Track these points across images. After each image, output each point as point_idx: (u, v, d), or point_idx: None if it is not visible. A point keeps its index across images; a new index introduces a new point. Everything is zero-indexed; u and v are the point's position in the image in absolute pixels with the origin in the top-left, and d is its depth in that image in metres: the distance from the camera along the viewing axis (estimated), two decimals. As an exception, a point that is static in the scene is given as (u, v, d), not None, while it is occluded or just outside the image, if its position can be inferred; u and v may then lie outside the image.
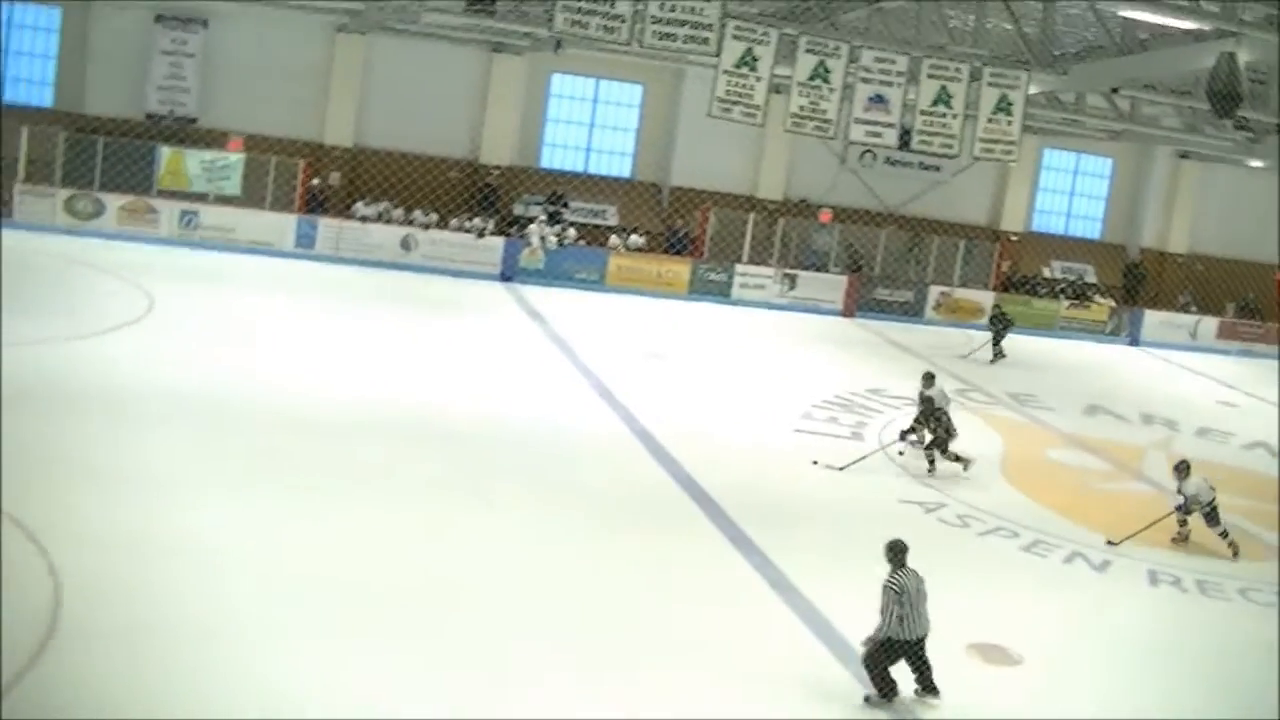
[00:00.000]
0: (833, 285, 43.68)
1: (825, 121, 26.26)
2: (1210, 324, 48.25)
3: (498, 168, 43.20)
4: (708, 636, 16.31)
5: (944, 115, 26.66)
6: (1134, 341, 46.37)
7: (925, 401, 24.85)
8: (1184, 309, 49.21)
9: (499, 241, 40.84)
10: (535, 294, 38.77)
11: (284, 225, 38.99)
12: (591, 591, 17.44)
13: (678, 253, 43.48)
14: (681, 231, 44.03)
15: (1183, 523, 22.42)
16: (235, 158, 38.69)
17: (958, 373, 34.94)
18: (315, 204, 40.41)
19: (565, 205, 43.64)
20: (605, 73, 44.41)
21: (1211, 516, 22.14)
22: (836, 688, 15.31)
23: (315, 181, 40.57)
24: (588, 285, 40.91)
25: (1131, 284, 49.73)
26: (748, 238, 44.31)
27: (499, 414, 24.88)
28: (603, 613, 16.68)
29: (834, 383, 31.58)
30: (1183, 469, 22.36)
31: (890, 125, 26.67)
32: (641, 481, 22.41)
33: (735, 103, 25.52)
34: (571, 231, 42.40)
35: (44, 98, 40.73)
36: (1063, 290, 47.79)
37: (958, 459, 24.58)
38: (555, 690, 14.35)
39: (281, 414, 23.16)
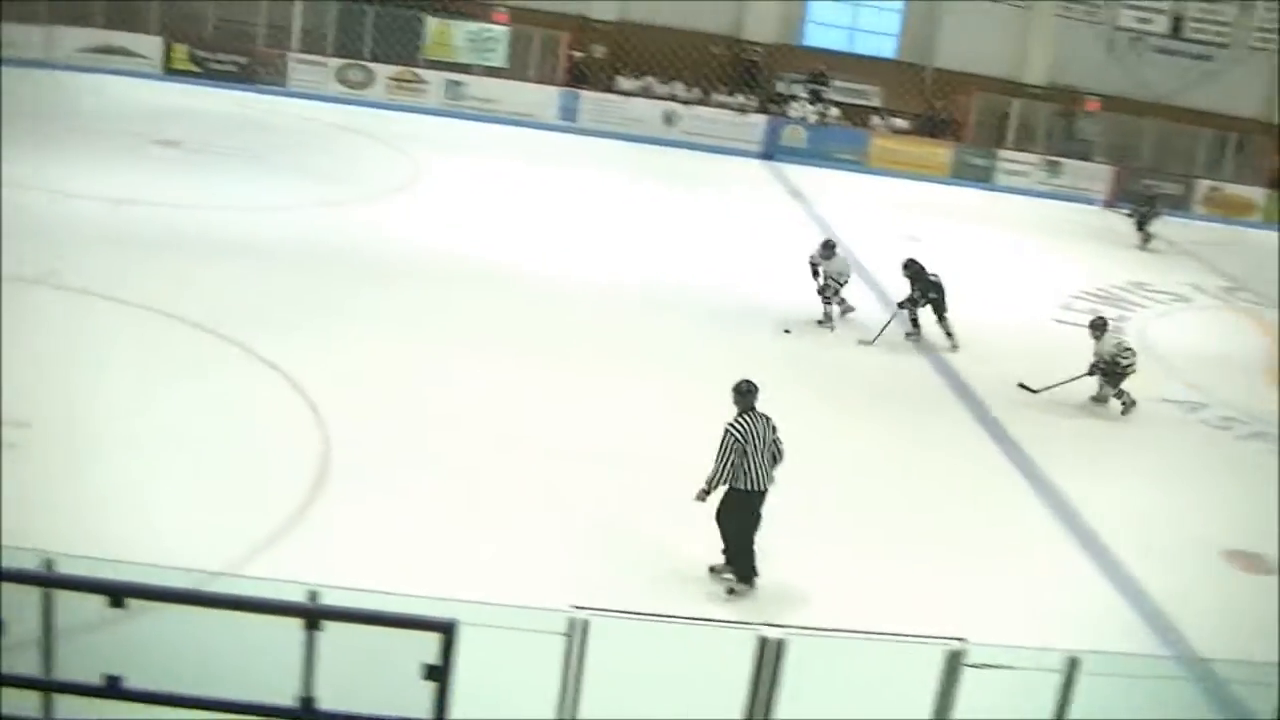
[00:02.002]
0: (1097, 175, 42.67)
1: (1095, 5, 25.55)
2: None
3: (761, 44, 42.89)
4: (955, 523, 16.34)
5: (1218, 1, 25.73)
6: None
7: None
8: None
9: (760, 119, 40.70)
10: (795, 173, 38.60)
11: (547, 98, 39.36)
12: (853, 472, 17.61)
13: (940, 135, 42.89)
14: (944, 114, 43.37)
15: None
16: (500, 30, 39.17)
17: (1227, 270, 33.91)
18: (578, 77, 40.64)
19: (827, 84, 43.23)
20: (873, -51, 43.81)
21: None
22: (1085, 583, 15.21)
23: (579, 54, 40.75)
24: (848, 165, 40.59)
25: None
26: (1012, 123, 43.48)
27: (760, 293, 24.93)
28: (860, 494, 16.83)
29: (1095, 274, 30.96)
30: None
31: (1161, 11, 25.83)
32: (896, 366, 22.37)
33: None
34: (834, 110, 42.05)
35: (318, -32, 41.57)
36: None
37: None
38: (806, 564, 14.51)
39: (539, 285, 23.60)
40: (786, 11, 43.61)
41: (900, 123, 42.85)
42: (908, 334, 23.74)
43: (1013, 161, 42.19)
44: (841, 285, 24.06)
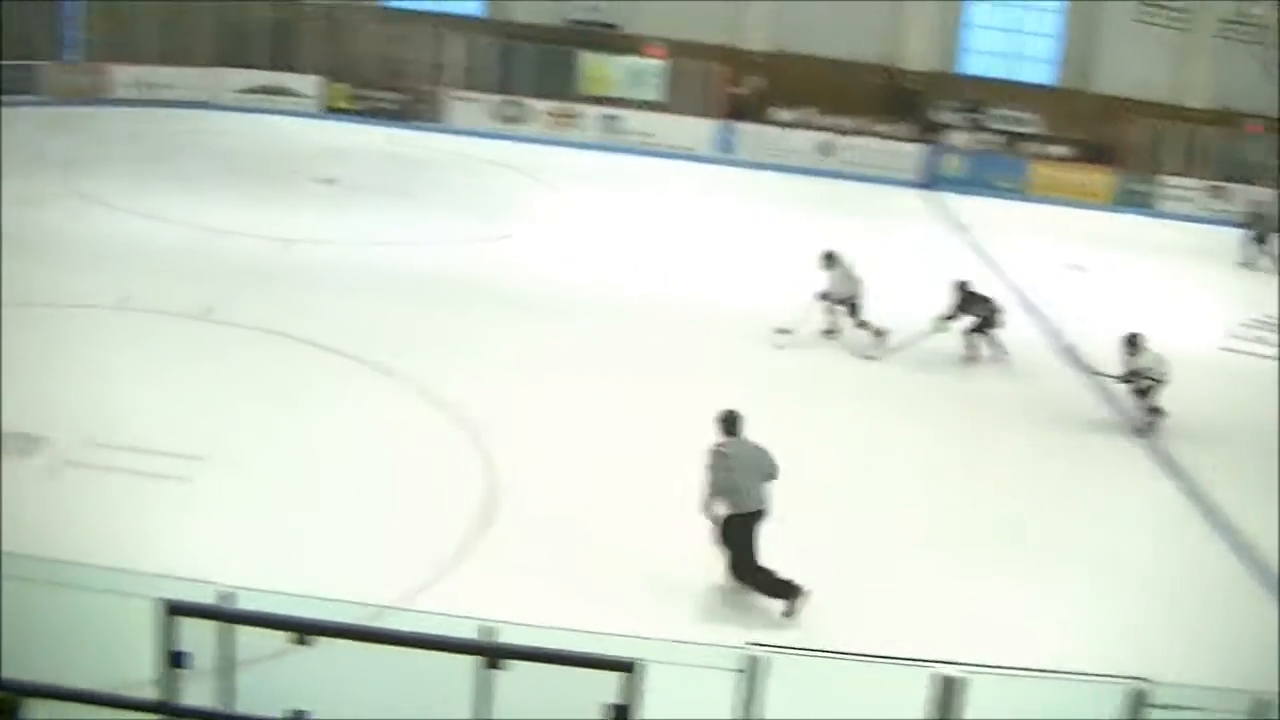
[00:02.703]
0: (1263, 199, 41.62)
1: (1256, 27, 24.99)
2: None
3: (918, 73, 42.54)
4: (1121, 549, 16.05)
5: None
6: None
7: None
8: None
9: (918, 148, 40.36)
10: (954, 201, 38.17)
11: (703, 130, 39.32)
12: (1010, 499, 17.32)
13: (1100, 162, 42.20)
14: (1104, 140, 42.66)
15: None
16: (656, 64, 39.27)
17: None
18: (736, 110, 40.57)
19: (985, 112, 42.76)
20: (1030, -25, 43.25)
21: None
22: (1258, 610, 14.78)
23: (740, 90, 40.58)
24: (1007, 193, 40.08)
25: None
26: (1173, 148, 42.65)
27: (921, 322, 24.62)
28: (1017, 520, 16.58)
29: (1266, 302, 30.20)
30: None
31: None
32: (1061, 392, 22.00)
33: (1162, 6, 24.49)
34: (993, 138, 41.56)
35: (474, 7, 41.96)
36: None
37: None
38: (976, 595, 14.24)
39: (699, 317, 23.49)
40: (944, 39, 43.22)
41: (1060, 149, 42.22)
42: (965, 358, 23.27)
43: (1175, 187, 41.40)
44: (847, 300, 23.44)
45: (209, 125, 36.85)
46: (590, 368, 20.70)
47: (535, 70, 39.41)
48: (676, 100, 39.70)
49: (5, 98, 36.28)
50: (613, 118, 38.97)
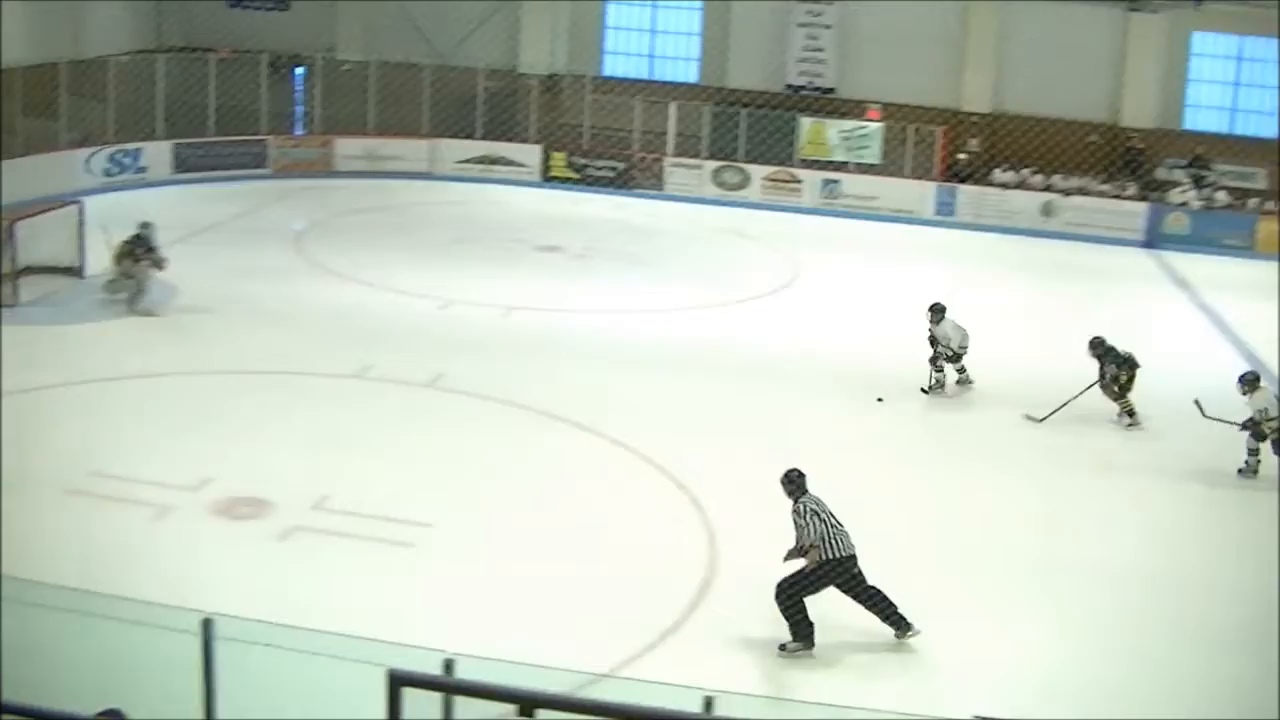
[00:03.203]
0: None
1: None
2: None
3: (1139, 130, 41.80)
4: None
5: None
6: None
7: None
8: None
9: (1142, 206, 39.59)
10: (1179, 260, 37.30)
11: (924, 193, 39.05)
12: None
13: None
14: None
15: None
16: (874, 126, 39.19)
17: None
18: (956, 172, 40.26)
19: (1209, 168, 41.80)
20: (1249, 29, 42.17)
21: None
22: None
23: (962, 156, 40.23)
24: (1234, 251, 39.04)
25: None
26: None
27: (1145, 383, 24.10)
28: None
29: None
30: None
31: None
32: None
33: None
34: (1220, 195, 40.63)
35: (689, 74, 42.36)
36: None
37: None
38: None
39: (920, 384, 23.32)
40: (1165, 96, 42.37)
41: (1289, 203, 41.04)
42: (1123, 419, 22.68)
43: None
44: (956, 352, 23.26)
45: (432, 196, 37.62)
46: (830, 440, 20.54)
47: (753, 135, 39.55)
48: (895, 163, 39.54)
49: (235, 172, 37.65)
50: (832, 181, 38.93)
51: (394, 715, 7.41)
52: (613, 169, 39.56)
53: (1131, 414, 22.50)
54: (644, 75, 42.43)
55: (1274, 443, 20.30)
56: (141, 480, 17.61)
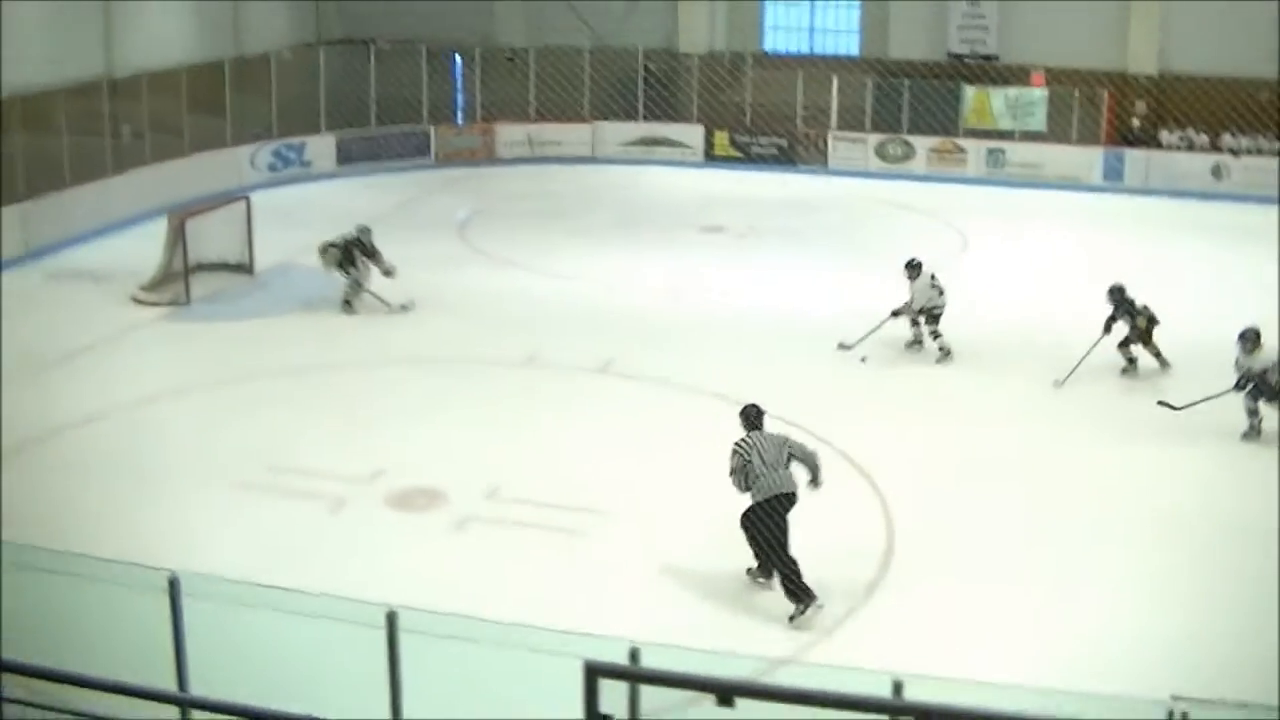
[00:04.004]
0: None
1: None
2: None
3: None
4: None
5: None
6: None
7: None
8: None
9: (1317, 165, 38.38)
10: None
11: (1090, 159, 38.22)
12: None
13: None
14: None
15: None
16: (1038, 93, 38.47)
17: None
18: (1123, 136, 39.36)
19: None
20: None
21: None
22: None
23: (1136, 122, 39.27)
24: None
25: None
26: None
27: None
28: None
29: None
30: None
31: None
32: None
33: None
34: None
35: (850, 46, 41.84)
36: None
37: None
38: None
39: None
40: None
41: None
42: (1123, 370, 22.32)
43: None
44: (928, 311, 22.81)
45: (594, 179, 37.60)
46: (991, 414, 20.24)
47: (916, 106, 38.99)
48: (1061, 129, 38.73)
49: (398, 162, 37.93)
50: (997, 150, 38.26)
51: (591, 707, 7.28)
52: (776, 146, 39.25)
53: (1158, 356, 22.20)
54: (804, 50, 41.96)
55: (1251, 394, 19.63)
56: (316, 473, 17.76)
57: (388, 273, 25.03)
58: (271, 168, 36.42)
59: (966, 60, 40.09)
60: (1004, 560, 15.62)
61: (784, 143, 39.20)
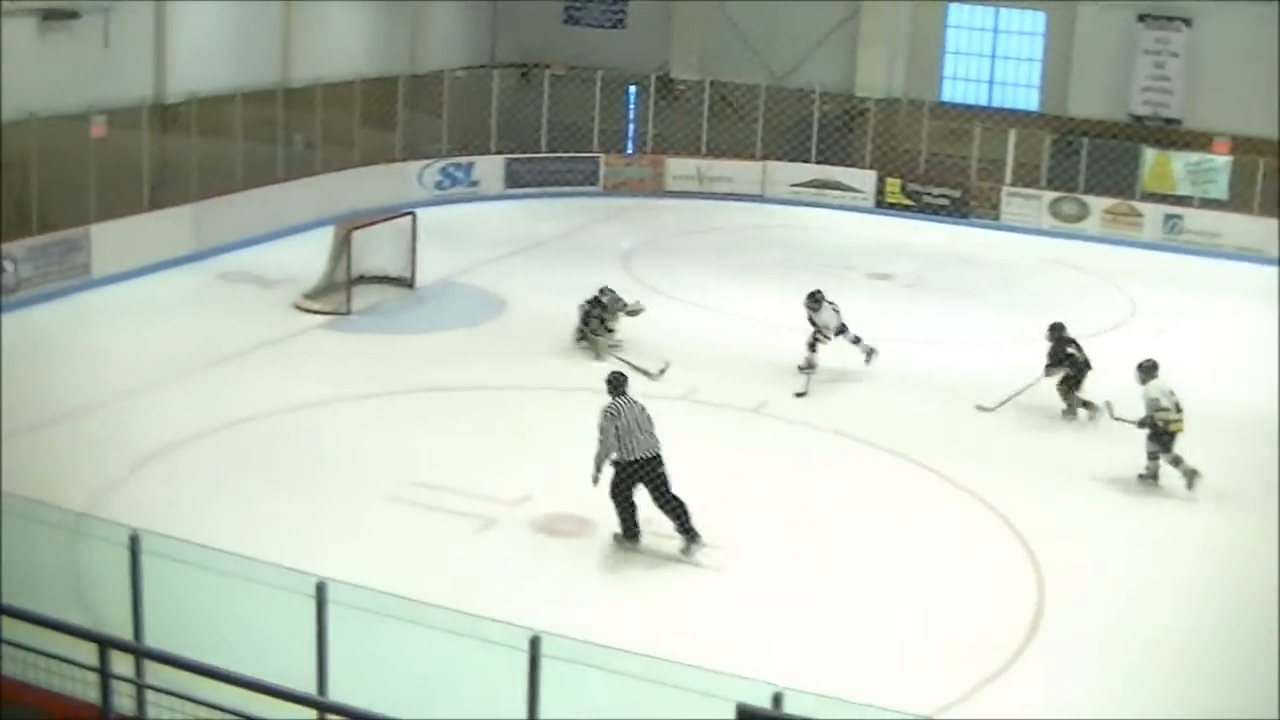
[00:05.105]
0: None
1: None
2: None
3: None
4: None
5: None
6: None
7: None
8: None
9: None
10: None
11: (1272, 230, 37.10)
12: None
13: None
14: None
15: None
16: (1221, 160, 37.50)
17: None
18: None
19: None
20: None
21: None
22: None
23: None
24: None
25: None
26: None
27: None
28: None
29: None
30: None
31: None
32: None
33: None
34: None
35: (1029, 101, 41.21)
36: None
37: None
38: None
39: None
40: None
41: None
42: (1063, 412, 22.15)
43: None
44: (827, 338, 23.53)
45: (762, 219, 37.31)
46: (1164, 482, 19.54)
47: (1093, 166, 38.22)
48: (1243, 198, 37.75)
49: (565, 188, 37.96)
50: (1174, 216, 37.38)
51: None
52: (948, 196, 38.67)
53: (1086, 406, 21.88)
54: (982, 102, 41.41)
55: (1159, 438, 19.11)
56: (465, 491, 17.70)
57: (634, 313, 24.72)
58: (439, 185, 36.57)
59: (1148, 122, 39.30)
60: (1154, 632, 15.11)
61: (956, 194, 38.60)
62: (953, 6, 41.60)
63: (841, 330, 23.61)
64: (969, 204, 38.45)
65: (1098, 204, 37.62)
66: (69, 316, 25.27)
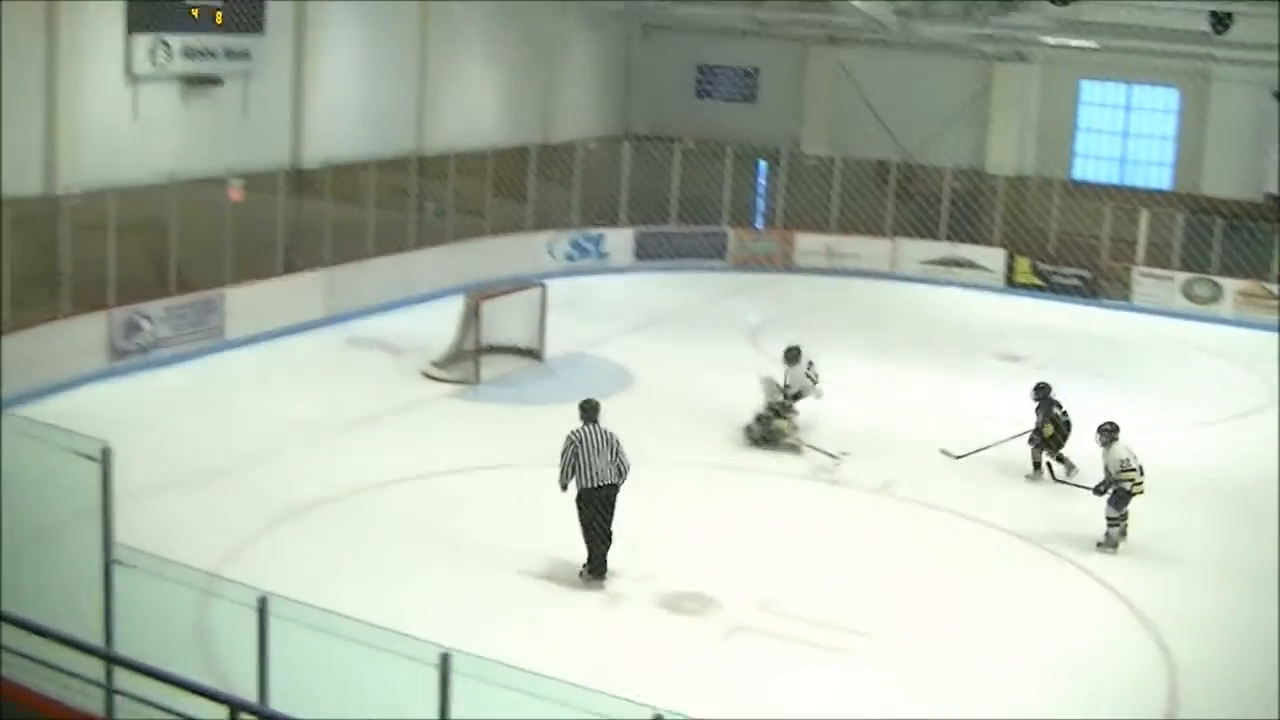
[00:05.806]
0: None
1: None
2: None
3: None
4: None
5: None
6: None
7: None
8: None
9: None
10: None
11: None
12: None
13: None
14: None
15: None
16: (1359, 244, 36.81)
17: None
18: None
19: None
20: None
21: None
22: None
23: None
24: None
25: None
26: None
27: None
28: None
29: None
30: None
31: None
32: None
33: None
34: None
35: (1162, 180, 40.73)
36: None
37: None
38: None
39: None
40: None
41: None
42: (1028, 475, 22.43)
43: None
44: (799, 396, 23.84)
45: (891, 296, 37.13)
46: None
47: (1228, 247, 37.62)
48: None
49: (693, 261, 38.04)
50: (1311, 299, 36.69)
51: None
52: (1079, 276, 38.21)
53: (1060, 462, 22.10)
54: (1114, 180, 41.01)
55: (1122, 501, 19.03)
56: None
57: (818, 395, 24.48)
58: (569, 257, 36.82)
59: (1282, 203, 38.68)
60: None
61: (1087, 274, 38.15)
62: (1085, 82, 41.34)
63: (797, 396, 23.89)
64: (1100, 284, 37.99)
65: (1231, 286, 37.02)
66: (202, 377, 25.72)
